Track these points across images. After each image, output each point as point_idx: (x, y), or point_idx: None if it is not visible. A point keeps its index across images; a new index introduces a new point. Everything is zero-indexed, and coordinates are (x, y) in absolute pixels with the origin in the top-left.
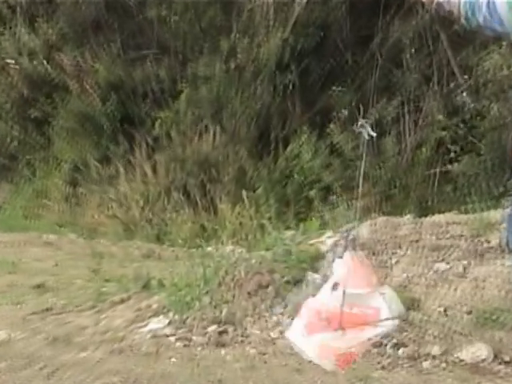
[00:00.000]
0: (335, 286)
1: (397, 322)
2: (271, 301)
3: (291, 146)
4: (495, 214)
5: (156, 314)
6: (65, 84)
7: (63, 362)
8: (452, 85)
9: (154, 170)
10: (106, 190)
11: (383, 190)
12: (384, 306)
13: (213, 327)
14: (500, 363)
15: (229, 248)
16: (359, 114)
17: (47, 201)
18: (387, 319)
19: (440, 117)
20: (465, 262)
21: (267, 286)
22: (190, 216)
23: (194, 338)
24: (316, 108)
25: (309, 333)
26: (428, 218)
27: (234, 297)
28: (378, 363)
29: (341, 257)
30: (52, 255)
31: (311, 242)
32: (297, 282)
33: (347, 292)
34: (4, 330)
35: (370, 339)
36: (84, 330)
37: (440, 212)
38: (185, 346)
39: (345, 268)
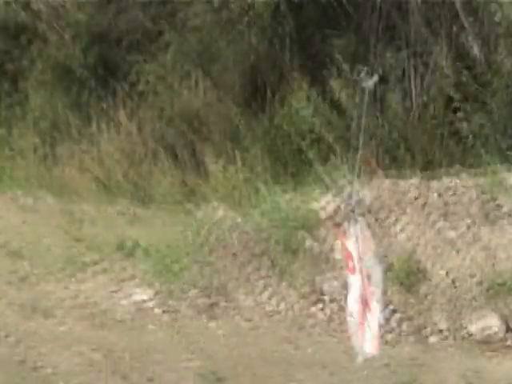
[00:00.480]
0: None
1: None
2: (266, 270)
3: (288, 102)
4: (508, 177)
5: (140, 283)
6: (42, 34)
7: (30, 330)
8: (461, 37)
9: (139, 128)
10: (87, 150)
11: (388, 151)
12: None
13: (197, 292)
14: (509, 331)
15: (220, 212)
16: (362, 67)
17: (23, 160)
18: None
19: (449, 72)
20: (471, 222)
21: (262, 254)
22: (177, 178)
23: (176, 303)
24: (315, 61)
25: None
26: (436, 181)
27: (225, 265)
28: (381, 338)
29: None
30: (27, 217)
31: (305, 199)
32: (294, 250)
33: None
34: None
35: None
36: (54, 295)
37: (448, 174)
38: (165, 312)
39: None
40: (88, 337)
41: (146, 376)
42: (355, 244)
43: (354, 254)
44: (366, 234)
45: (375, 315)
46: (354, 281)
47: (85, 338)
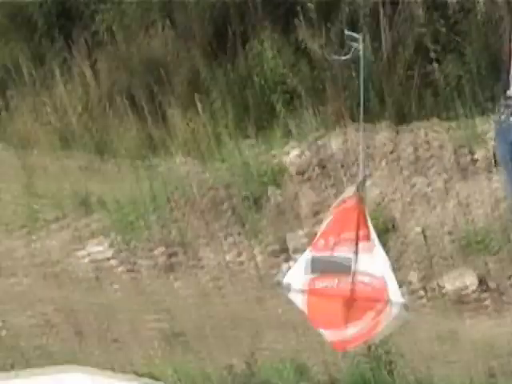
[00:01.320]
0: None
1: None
2: (227, 220)
3: (251, 44)
4: (481, 123)
5: (96, 234)
6: None
7: None
8: None
9: (94, 72)
10: (40, 94)
11: (356, 95)
12: (389, 276)
13: (160, 250)
14: (485, 291)
15: (179, 160)
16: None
17: None
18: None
19: (419, 11)
20: (446, 177)
21: (223, 203)
22: (135, 124)
23: (139, 261)
24: (285, 10)
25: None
26: (405, 127)
27: (184, 215)
28: None
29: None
30: None
31: (273, 153)
32: (256, 199)
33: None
34: None
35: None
36: (13, 252)
37: (419, 119)
38: (128, 270)
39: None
40: (49, 296)
41: (111, 337)
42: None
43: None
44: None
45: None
46: (372, 249)
47: (45, 297)
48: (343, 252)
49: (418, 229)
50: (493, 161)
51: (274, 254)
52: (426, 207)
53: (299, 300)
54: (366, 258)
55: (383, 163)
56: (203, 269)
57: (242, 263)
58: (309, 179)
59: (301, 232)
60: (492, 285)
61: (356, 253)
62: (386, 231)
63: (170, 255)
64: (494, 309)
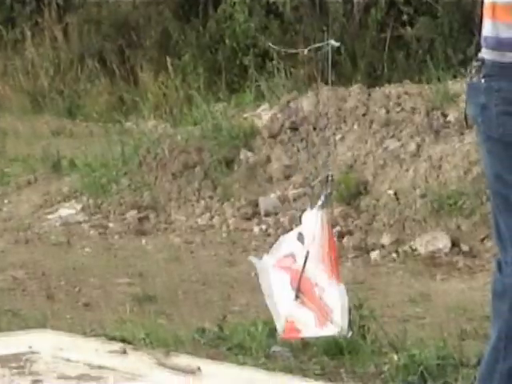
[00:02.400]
0: (300, 237)
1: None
2: (199, 183)
3: (222, 6)
4: (453, 85)
5: (67, 198)
6: None
7: None
8: None
9: (65, 34)
10: (10, 57)
11: (327, 57)
12: (337, 310)
13: (132, 213)
14: (458, 253)
15: (151, 123)
16: None
17: None
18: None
19: None
20: (418, 139)
21: (194, 166)
22: (106, 86)
23: (111, 225)
24: None
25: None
26: (377, 89)
27: (156, 178)
28: None
29: (312, 208)
30: None
31: (245, 115)
32: (228, 162)
33: (310, 264)
34: None
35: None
36: None
37: (391, 82)
38: (100, 234)
39: (313, 226)
40: (20, 260)
41: (82, 301)
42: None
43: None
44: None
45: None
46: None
47: (17, 261)
48: None
49: (391, 191)
50: (465, 123)
51: (246, 217)
52: (398, 170)
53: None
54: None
55: (355, 126)
56: (175, 232)
57: (213, 226)
58: (281, 142)
59: (273, 195)
60: (465, 247)
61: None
62: (358, 194)
63: (142, 218)
64: (466, 271)
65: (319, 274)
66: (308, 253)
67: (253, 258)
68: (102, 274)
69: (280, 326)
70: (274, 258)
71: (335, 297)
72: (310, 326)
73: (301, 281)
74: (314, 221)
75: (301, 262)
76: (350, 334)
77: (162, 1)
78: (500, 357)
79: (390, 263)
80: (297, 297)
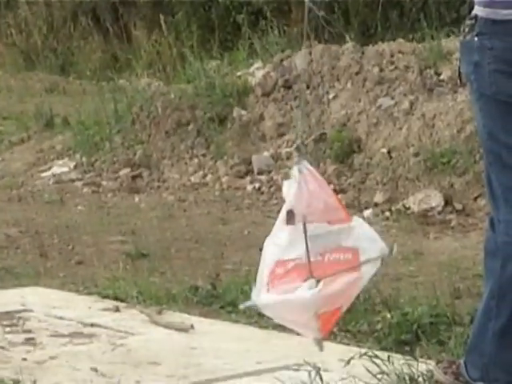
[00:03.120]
0: (290, 218)
1: (380, 262)
2: (192, 141)
3: None
4: (447, 43)
5: (60, 156)
6: None
7: None
8: None
9: None
10: (3, 15)
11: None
12: (362, 244)
13: (125, 171)
14: (451, 212)
15: (144, 81)
16: None
17: None
18: (368, 261)
19: None
20: (412, 97)
21: (188, 124)
22: (99, 44)
23: (104, 182)
24: None
25: (274, 291)
26: (371, 47)
27: (149, 136)
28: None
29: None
30: None
31: (238, 73)
32: (221, 120)
33: (310, 231)
34: None
35: (352, 287)
36: None
37: (384, 40)
38: (93, 192)
39: (298, 190)
40: (13, 218)
41: (75, 258)
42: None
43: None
44: (321, 184)
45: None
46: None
47: (10, 219)
48: None
49: (384, 150)
50: (458, 81)
51: (239, 175)
52: (391, 128)
53: None
54: None
55: (348, 84)
56: (168, 190)
57: (206, 184)
58: (274, 100)
59: (266, 153)
60: (458, 206)
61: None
62: (352, 152)
63: (135, 176)
64: (459, 230)
65: (325, 237)
66: (304, 226)
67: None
68: (95, 231)
69: (313, 330)
70: (271, 287)
71: (355, 235)
72: (346, 292)
73: (310, 266)
74: (292, 187)
75: (301, 249)
76: (395, 250)
77: None
78: (492, 315)
79: (383, 221)
80: (317, 283)
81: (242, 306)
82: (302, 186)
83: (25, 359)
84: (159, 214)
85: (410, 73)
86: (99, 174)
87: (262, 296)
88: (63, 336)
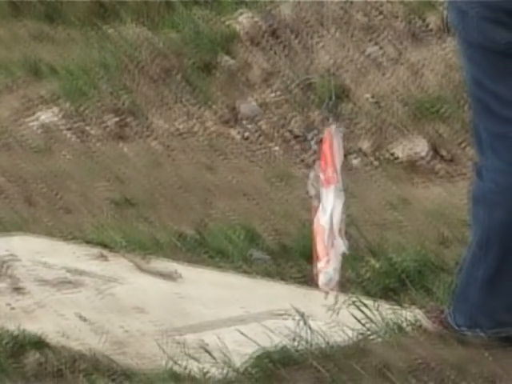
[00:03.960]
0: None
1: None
2: (179, 89)
3: None
4: None
5: (47, 104)
6: None
7: None
8: None
9: None
10: None
11: None
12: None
13: (112, 118)
14: (438, 159)
15: (131, 28)
16: None
17: None
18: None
19: None
20: (400, 45)
21: (175, 72)
22: None
23: (91, 130)
24: None
25: None
26: None
27: (136, 84)
28: (302, 161)
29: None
30: None
31: (225, 21)
32: (208, 67)
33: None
34: None
35: None
36: None
37: None
38: (80, 139)
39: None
40: (0, 165)
41: (61, 206)
42: (338, 151)
43: (337, 162)
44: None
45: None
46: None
47: None
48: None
49: (370, 97)
50: (446, 30)
51: (225, 122)
52: (377, 75)
53: None
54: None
55: (336, 32)
56: (154, 136)
57: (193, 132)
58: (260, 46)
59: (253, 101)
60: (444, 152)
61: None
62: (338, 99)
63: (121, 123)
64: (446, 177)
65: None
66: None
67: None
68: (82, 179)
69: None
70: None
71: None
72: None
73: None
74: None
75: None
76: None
77: None
78: (479, 263)
79: (370, 169)
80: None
81: None
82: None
83: (11, 307)
84: (145, 162)
85: (397, 21)
86: (86, 121)
87: None
88: (49, 283)
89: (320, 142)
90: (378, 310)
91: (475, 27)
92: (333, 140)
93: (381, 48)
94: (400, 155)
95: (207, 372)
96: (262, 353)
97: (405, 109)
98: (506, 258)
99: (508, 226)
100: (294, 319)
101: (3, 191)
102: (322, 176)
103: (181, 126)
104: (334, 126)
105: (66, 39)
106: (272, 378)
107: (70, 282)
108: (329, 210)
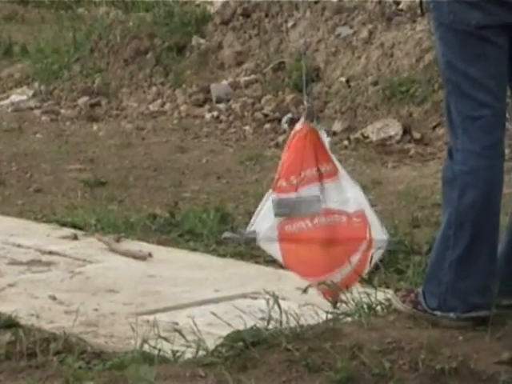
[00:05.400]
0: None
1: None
2: (150, 69)
3: None
4: None
5: (19, 84)
6: None
7: None
8: None
9: None
10: None
11: None
12: (368, 211)
13: (84, 99)
14: (409, 141)
15: (103, 9)
16: None
17: None
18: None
19: None
20: (371, 26)
21: (146, 53)
22: None
23: (63, 111)
24: None
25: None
26: None
27: (108, 64)
28: (272, 140)
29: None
30: None
31: (197, 2)
32: (180, 48)
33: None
34: None
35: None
36: None
37: None
38: (52, 120)
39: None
40: None
41: (33, 187)
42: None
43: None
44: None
45: None
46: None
47: None
48: (308, 192)
49: (342, 79)
50: (419, 10)
51: (198, 104)
52: (350, 57)
53: (271, 248)
54: (336, 195)
55: (307, 13)
56: (126, 118)
57: (165, 113)
58: (233, 28)
59: (224, 81)
60: (416, 135)
61: (322, 191)
62: (310, 81)
63: (94, 104)
64: (418, 159)
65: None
66: None
67: None
68: (54, 159)
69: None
70: None
71: (353, 197)
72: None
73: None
74: None
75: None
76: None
77: None
78: (450, 244)
79: (342, 150)
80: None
81: None
82: None
83: None
84: (117, 143)
85: (368, 2)
86: (58, 102)
87: None
88: (21, 264)
89: (294, 138)
90: (349, 290)
91: (447, 7)
92: (318, 135)
93: (352, 29)
94: (372, 136)
95: (178, 352)
96: (234, 333)
97: (376, 90)
98: (476, 239)
99: (478, 207)
100: (265, 300)
101: None
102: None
103: (152, 107)
104: (310, 123)
105: (37, 19)
106: (243, 358)
107: (41, 262)
108: (351, 198)
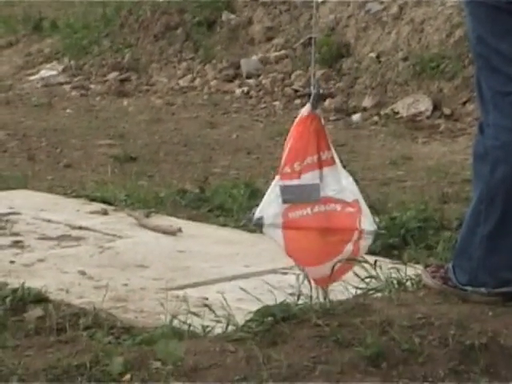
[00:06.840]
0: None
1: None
2: (180, 45)
3: None
4: None
5: (49, 59)
6: None
7: None
8: None
9: None
10: None
11: None
12: (362, 201)
13: (113, 74)
14: (440, 117)
15: None
16: None
17: None
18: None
19: None
20: (401, 2)
21: (176, 28)
22: None
23: (92, 86)
24: None
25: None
26: None
27: (138, 40)
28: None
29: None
30: None
31: None
32: (210, 23)
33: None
34: None
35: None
36: None
37: None
38: (82, 95)
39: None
40: (1, 122)
41: (63, 162)
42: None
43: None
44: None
45: None
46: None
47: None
48: (309, 179)
49: (373, 54)
50: None
51: (228, 79)
52: (380, 32)
53: (275, 234)
54: (334, 184)
55: None
56: (156, 93)
57: (195, 88)
58: (263, 4)
59: (254, 57)
60: (446, 110)
61: (321, 179)
62: (341, 57)
63: (123, 80)
64: (448, 134)
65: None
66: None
67: None
68: (83, 135)
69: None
70: None
71: (348, 186)
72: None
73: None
74: None
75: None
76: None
77: None
78: (481, 219)
79: (372, 126)
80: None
81: None
82: None
83: (13, 262)
84: (147, 118)
85: None
86: (87, 77)
87: None
88: (51, 239)
89: (299, 124)
90: (379, 266)
91: None
92: (321, 122)
93: (382, 4)
94: (402, 112)
95: (208, 327)
96: (264, 309)
97: (406, 65)
98: (507, 214)
99: (509, 182)
100: (295, 275)
101: (4, 146)
102: (317, 160)
103: (182, 82)
104: (311, 108)
105: None
106: (273, 333)
107: (70, 237)
108: (347, 187)
